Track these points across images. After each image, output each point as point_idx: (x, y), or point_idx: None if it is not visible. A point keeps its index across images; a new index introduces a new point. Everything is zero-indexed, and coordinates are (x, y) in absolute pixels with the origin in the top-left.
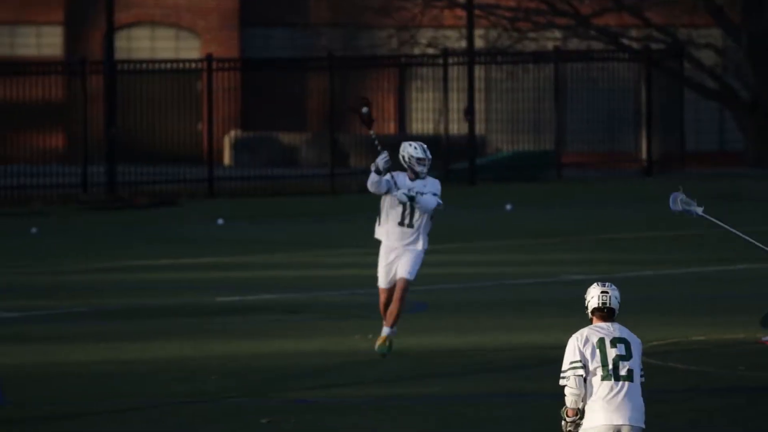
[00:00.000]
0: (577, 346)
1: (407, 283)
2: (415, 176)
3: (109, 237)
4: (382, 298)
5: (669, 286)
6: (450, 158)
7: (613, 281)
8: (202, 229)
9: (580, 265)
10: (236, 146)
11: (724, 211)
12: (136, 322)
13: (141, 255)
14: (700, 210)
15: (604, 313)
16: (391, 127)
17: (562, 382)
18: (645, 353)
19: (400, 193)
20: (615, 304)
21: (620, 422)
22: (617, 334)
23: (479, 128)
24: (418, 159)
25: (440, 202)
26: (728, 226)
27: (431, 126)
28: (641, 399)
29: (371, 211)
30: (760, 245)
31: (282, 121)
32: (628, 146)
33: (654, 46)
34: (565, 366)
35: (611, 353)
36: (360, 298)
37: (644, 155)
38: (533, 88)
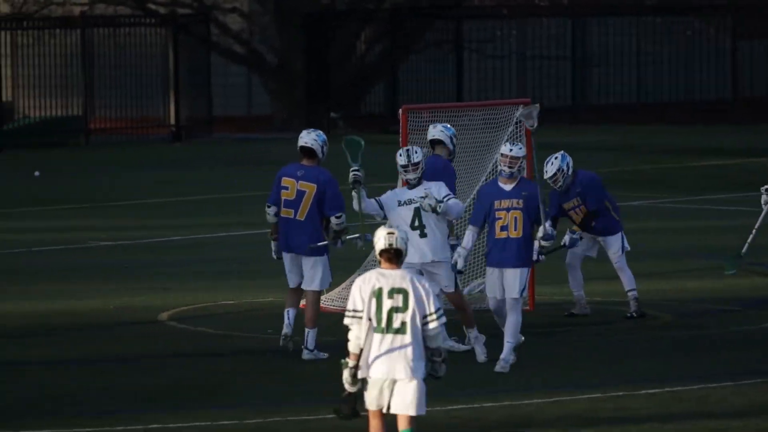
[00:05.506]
0: (359, 295)
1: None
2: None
3: None
4: None
5: (196, 250)
6: None
7: (137, 246)
8: None
9: (108, 231)
10: None
11: (252, 174)
12: None
13: None
14: (531, 124)
15: (391, 254)
16: None
17: (346, 321)
18: (176, 318)
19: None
20: (402, 245)
21: (391, 376)
22: (397, 284)
23: (6, 94)
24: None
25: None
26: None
27: None
28: (416, 351)
29: None
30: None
31: None
32: (157, 111)
33: (180, 11)
34: (348, 311)
35: (386, 304)
36: None
37: (172, 121)
38: (61, 53)
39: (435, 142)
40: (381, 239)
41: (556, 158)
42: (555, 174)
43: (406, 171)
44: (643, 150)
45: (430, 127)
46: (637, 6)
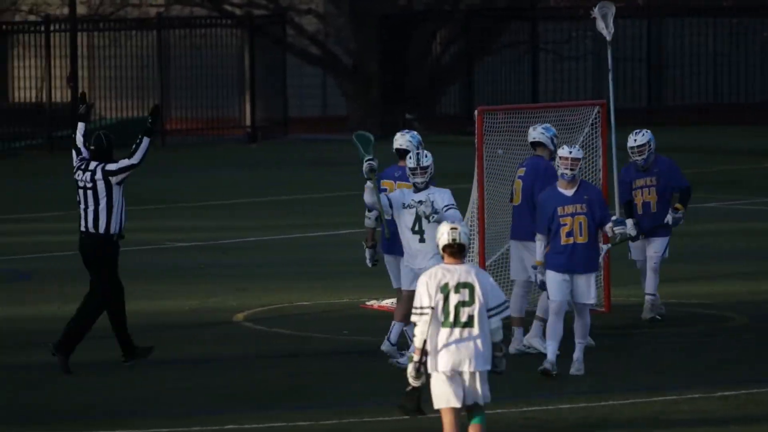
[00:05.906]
0: (426, 291)
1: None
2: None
3: None
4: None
5: (273, 251)
6: (54, 126)
7: (217, 247)
8: None
9: (184, 231)
10: None
11: (327, 175)
12: None
13: None
14: (608, 32)
15: (455, 249)
16: None
17: (413, 318)
18: (251, 319)
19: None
20: (465, 240)
21: (459, 368)
22: (463, 278)
23: None
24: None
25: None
26: None
27: (34, 94)
28: (485, 343)
29: None
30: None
31: None
32: (233, 112)
33: (256, 12)
34: (415, 308)
35: (453, 299)
36: None
37: (248, 121)
38: (137, 54)
39: (536, 144)
40: (444, 234)
41: (646, 132)
42: (644, 144)
43: (414, 174)
44: (720, 151)
45: (530, 129)
46: (714, 7)
